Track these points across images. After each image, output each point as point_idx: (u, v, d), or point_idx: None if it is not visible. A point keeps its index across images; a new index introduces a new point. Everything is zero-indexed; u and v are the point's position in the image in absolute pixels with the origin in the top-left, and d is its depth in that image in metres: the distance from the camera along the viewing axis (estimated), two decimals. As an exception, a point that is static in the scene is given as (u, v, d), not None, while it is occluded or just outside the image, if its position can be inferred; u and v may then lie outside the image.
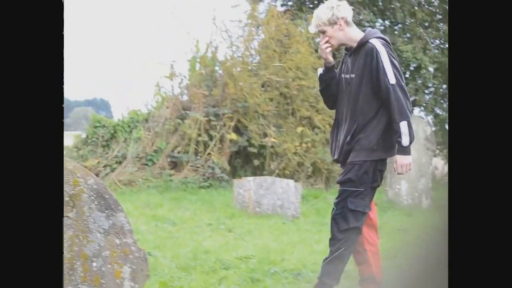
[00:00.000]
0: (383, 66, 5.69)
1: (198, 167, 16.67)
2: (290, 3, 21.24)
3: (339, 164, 6.06)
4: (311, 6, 20.14)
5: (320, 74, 6.09)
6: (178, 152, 17.06)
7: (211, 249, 8.50)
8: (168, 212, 12.17)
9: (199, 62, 18.25)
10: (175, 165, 17.03)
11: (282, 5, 21.21)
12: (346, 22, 5.85)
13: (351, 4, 21.39)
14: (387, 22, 21.08)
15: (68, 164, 4.56)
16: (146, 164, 16.88)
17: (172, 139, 17.24)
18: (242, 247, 8.73)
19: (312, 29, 5.94)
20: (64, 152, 17.94)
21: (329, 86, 6.01)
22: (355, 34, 5.87)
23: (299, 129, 17.27)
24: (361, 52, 5.81)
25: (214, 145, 17.01)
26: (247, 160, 17.32)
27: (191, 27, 18.34)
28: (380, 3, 21.00)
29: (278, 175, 15.77)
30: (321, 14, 5.85)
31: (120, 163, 16.86)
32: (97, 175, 16.24)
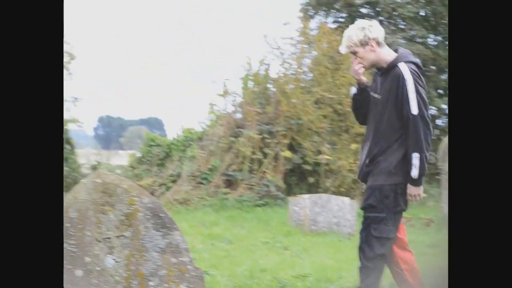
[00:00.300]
0: (407, 94, 5.58)
1: (253, 185, 16.66)
2: (341, 19, 21.19)
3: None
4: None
5: (354, 94, 6.02)
6: (233, 170, 17.07)
7: (267, 267, 8.45)
8: (224, 231, 12.15)
9: (252, 79, 18.29)
10: (230, 183, 17.03)
11: (333, 22, 21.18)
12: (378, 43, 5.76)
13: (403, 19, 21.27)
14: (439, 38, 20.88)
15: (124, 183, 4.58)
16: (201, 183, 16.91)
17: (227, 157, 17.26)
18: (299, 265, 8.66)
19: (343, 49, 5.85)
20: (119, 171, 18.12)
21: (362, 106, 5.95)
22: (386, 55, 5.77)
23: (353, 146, 17.15)
24: (389, 74, 5.72)
25: (269, 162, 16.99)
26: (301, 178, 17.25)
27: (243, 45, 18.33)
28: (432, 19, 20.82)
29: (333, 193, 15.65)
30: (352, 35, 5.77)
31: (175, 181, 16.93)
32: (152, 194, 16.33)
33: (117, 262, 4.47)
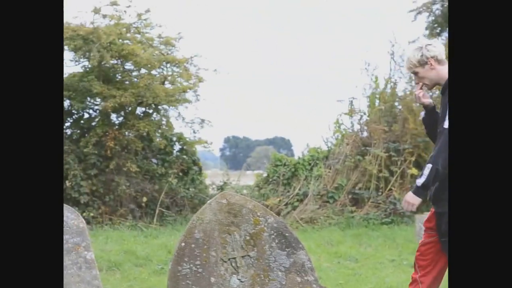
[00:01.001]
0: (446, 111, 5.46)
1: (379, 203, 16.55)
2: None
3: None
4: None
5: (423, 118, 5.97)
6: (359, 189, 17.03)
7: (393, 285, 8.38)
8: (350, 249, 12.13)
9: (378, 98, 18.19)
10: (356, 201, 16.98)
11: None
12: (437, 61, 5.67)
13: None
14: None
15: (249, 203, 4.65)
16: (328, 201, 16.93)
17: (353, 176, 17.22)
18: (426, 284, 8.53)
19: (406, 71, 5.82)
20: (246, 191, 18.33)
21: (432, 128, 5.85)
22: (447, 73, 5.62)
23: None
24: (445, 92, 5.62)
25: (395, 180, 16.83)
26: (429, 195, 16.97)
27: (369, 63, 18.27)
28: None
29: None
30: (411, 56, 5.71)
31: (301, 201, 17.00)
32: (278, 213, 16.45)
33: (242, 282, 4.54)
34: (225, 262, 4.52)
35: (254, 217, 4.59)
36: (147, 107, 18.34)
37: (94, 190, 17.28)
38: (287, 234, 4.61)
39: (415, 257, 5.74)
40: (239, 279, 4.52)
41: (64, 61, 18.61)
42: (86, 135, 17.97)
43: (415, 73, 5.74)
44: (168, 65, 18.55)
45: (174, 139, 18.82)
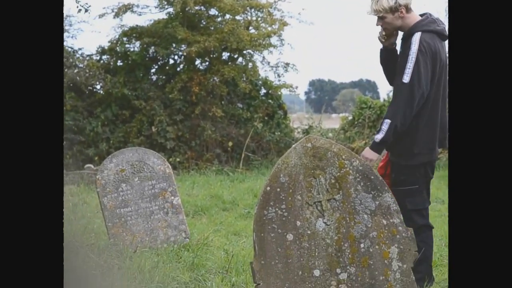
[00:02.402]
0: (405, 64, 5.36)
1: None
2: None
3: None
4: None
5: (383, 56, 5.84)
6: (446, 130, 16.81)
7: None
8: (437, 190, 11.99)
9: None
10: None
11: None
12: (407, 9, 5.53)
13: None
14: None
15: (334, 146, 4.63)
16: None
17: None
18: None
19: (370, 12, 5.58)
20: (331, 135, 18.29)
21: (390, 67, 5.76)
22: (411, 21, 5.53)
23: None
24: (406, 42, 5.53)
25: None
26: None
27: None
28: None
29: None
30: (383, 0, 5.51)
31: (386, 143, 16.89)
32: (364, 156, 16.36)
33: (327, 225, 4.55)
34: (311, 205, 4.52)
35: (339, 160, 4.57)
36: (232, 52, 18.38)
37: (180, 136, 17.52)
38: (372, 177, 4.59)
39: None
40: (324, 222, 4.52)
41: (149, 8, 18.77)
42: (172, 81, 18.16)
43: (382, 18, 5.57)
44: (252, 10, 18.51)
45: (260, 83, 18.86)
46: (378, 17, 5.62)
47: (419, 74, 5.36)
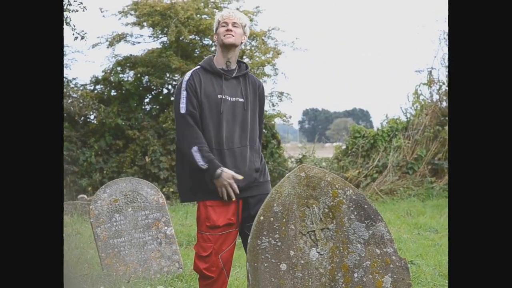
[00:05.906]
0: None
1: (460, 174, 16.35)
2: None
3: None
4: None
5: None
6: (439, 159, 16.84)
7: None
8: (430, 220, 12.03)
9: (458, 67, 17.90)
10: (436, 172, 16.80)
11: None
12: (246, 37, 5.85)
13: None
14: None
15: (327, 176, 4.64)
16: (407, 172, 16.80)
17: (432, 146, 17.04)
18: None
19: (232, 16, 5.65)
20: (325, 164, 18.30)
21: None
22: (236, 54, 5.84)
23: None
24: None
25: (476, 150, 16.60)
26: None
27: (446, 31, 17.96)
28: None
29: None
30: (244, 17, 5.72)
31: (380, 172, 16.91)
32: (358, 185, 16.40)
33: (321, 254, 4.55)
34: (304, 235, 4.52)
35: (333, 190, 4.58)
36: (225, 82, 18.42)
37: (173, 166, 17.50)
38: (366, 206, 4.59)
39: None
40: (318, 252, 4.52)
41: (143, 37, 18.85)
42: (165, 110, 18.19)
43: (236, 26, 5.65)
44: (246, 39, 18.62)
45: (253, 113, 18.86)
46: (234, 24, 5.70)
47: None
